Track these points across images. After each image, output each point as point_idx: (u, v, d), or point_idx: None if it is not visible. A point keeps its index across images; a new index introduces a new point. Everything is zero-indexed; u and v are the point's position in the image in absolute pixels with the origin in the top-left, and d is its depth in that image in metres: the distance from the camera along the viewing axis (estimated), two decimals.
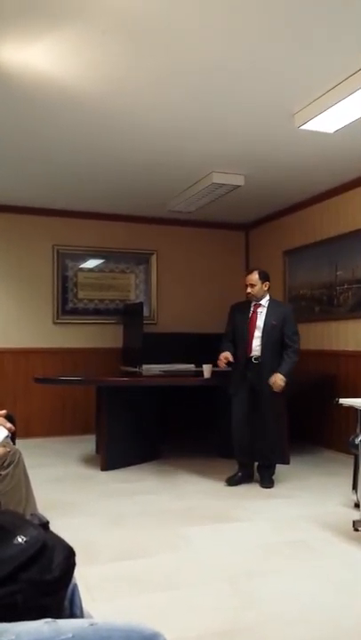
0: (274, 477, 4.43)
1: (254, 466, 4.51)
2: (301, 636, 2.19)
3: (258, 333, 4.30)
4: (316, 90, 3.47)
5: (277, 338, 4.27)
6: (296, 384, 4.79)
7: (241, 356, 4.32)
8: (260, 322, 4.31)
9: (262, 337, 4.28)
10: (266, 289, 4.34)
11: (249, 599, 2.47)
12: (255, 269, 4.43)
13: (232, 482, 4.36)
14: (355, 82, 3.26)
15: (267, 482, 4.34)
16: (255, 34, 2.85)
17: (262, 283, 4.32)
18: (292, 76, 3.30)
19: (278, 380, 4.19)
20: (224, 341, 4.43)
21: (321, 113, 3.60)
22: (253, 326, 4.32)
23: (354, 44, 2.94)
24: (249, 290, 4.33)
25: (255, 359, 4.30)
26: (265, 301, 4.36)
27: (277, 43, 2.94)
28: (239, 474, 4.42)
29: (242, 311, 4.41)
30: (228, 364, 4.32)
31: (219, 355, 4.35)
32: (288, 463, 5.00)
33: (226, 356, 4.30)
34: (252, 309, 4.36)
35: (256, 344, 4.29)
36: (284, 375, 4.21)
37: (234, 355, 4.32)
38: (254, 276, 4.33)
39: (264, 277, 4.34)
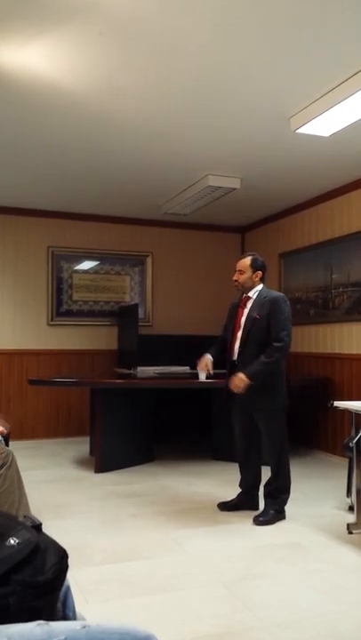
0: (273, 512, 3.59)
1: (258, 495, 3.80)
2: (295, 639, 2.18)
3: (240, 332, 3.68)
4: (311, 93, 3.48)
5: (262, 335, 3.57)
6: (291, 387, 4.77)
7: (227, 361, 3.75)
8: (243, 318, 3.68)
9: (242, 336, 3.66)
10: (257, 279, 3.70)
11: (243, 602, 2.47)
12: (249, 254, 3.80)
13: (225, 507, 3.80)
14: (351, 85, 3.27)
15: (262, 513, 3.59)
16: (251, 37, 2.85)
17: (253, 272, 3.68)
18: (287, 79, 3.31)
19: (237, 380, 3.52)
20: (214, 342, 3.94)
21: (317, 117, 3.61)
22: (238, 324, 3.71)
23: (350, 47, 2.95)
24: (235, 277, 3.72)
25: (236, 363, 3.67)
26: (253, 293, 3.70)
27: (273, 46, 2.94)
28: (235, 500, 3.82)
29: (235, 307, 3.82)
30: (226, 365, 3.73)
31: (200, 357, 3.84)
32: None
33: (204, 361, 3.77)
34: (241, 304, 3.77)
35: (237, 345, 3.68)
36: (247, 375, 3.50)
37: (220, 359, 3.80)
38: (245, 262, 3.70)
39: (257, 266, 3.70)
